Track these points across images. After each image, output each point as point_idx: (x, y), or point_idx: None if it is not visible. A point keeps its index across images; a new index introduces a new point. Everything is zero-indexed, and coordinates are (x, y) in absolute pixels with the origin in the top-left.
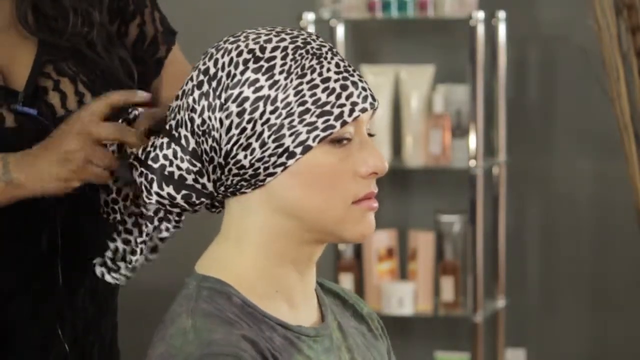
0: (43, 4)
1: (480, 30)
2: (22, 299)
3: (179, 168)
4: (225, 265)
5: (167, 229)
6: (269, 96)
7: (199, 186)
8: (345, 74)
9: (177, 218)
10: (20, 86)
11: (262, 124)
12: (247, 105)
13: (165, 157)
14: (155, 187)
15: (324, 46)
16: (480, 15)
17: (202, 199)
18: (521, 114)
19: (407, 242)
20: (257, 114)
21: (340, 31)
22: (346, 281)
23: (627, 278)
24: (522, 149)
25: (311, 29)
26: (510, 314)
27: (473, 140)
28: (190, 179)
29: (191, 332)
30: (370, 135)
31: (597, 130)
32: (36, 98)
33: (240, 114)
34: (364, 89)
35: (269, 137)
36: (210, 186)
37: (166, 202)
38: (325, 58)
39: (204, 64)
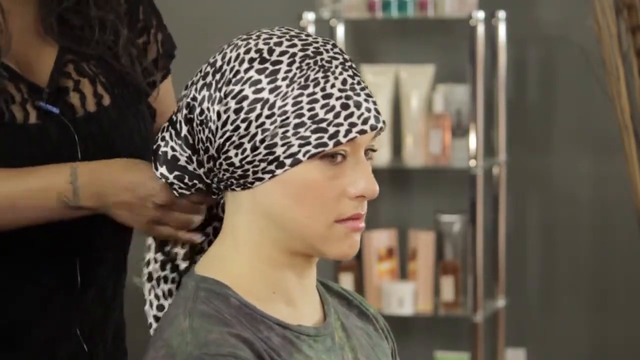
0: (69, 14)
1: (480, 30)
2: (33, 294)
3: (172, 149)
4: (224, 266)
5: None
6: (267, 100)
7: (191, 168)
8: (349, 92)
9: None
10: (43, 84)
11: (257, 127)
12: (245, 104)
13: (163, 138)
14: (152, 168)
15: (336, 59)
16: (480, 15)
17: (195, 181)
18: (521, 114)
19: (407, 242)
20: (253, 115)
21: (340, 31)
22: (346, 281)
23: (627, 278)
24: (522, 149)
25: (311, 28)
26: (510, 314)
27: (473, 140)
28: (182, 160)
29: (188, 332)
30: (373, 150)
31: (597, 130)
32: (58, 97)
33: (237, 111)
34: (367, 109)
35: (261, 141)
36: (201, 172)
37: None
38: (333, 73)
39: (214, 57)
